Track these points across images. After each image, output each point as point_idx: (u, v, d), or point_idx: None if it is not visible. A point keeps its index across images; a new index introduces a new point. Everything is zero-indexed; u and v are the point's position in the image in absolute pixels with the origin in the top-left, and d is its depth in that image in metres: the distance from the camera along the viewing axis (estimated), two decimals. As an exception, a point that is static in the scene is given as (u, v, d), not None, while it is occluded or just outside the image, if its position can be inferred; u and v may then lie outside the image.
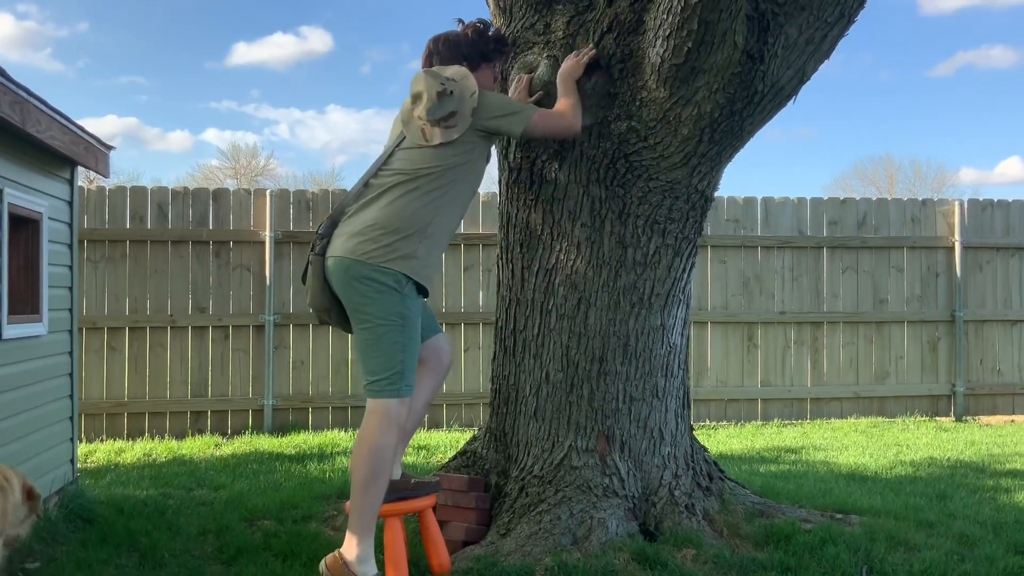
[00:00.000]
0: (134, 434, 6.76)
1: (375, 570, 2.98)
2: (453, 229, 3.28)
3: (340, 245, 3.06)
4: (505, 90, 3.60)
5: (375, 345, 3.01)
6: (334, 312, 3.15)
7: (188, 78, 47.34)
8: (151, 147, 48.17)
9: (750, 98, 3.27)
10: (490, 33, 3.34)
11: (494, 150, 3.80)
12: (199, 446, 6.28)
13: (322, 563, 2.99)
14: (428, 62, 3.30)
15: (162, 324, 6.88)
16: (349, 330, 3.16)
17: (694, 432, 3.83)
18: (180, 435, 6.75)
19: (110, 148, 4.80)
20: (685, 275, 3.60)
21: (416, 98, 3.14)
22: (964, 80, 49.39)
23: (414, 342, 3.06)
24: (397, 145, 3.17)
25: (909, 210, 8.06)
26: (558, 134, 3.34)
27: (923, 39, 50.06)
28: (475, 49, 3.28)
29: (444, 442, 6.32)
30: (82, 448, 6.07)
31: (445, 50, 3.28)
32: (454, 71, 3.17)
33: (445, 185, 3.10)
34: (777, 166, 48.75)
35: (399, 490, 3.13)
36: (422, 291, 3.12)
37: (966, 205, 8.11)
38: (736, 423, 7.55)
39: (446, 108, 3.07)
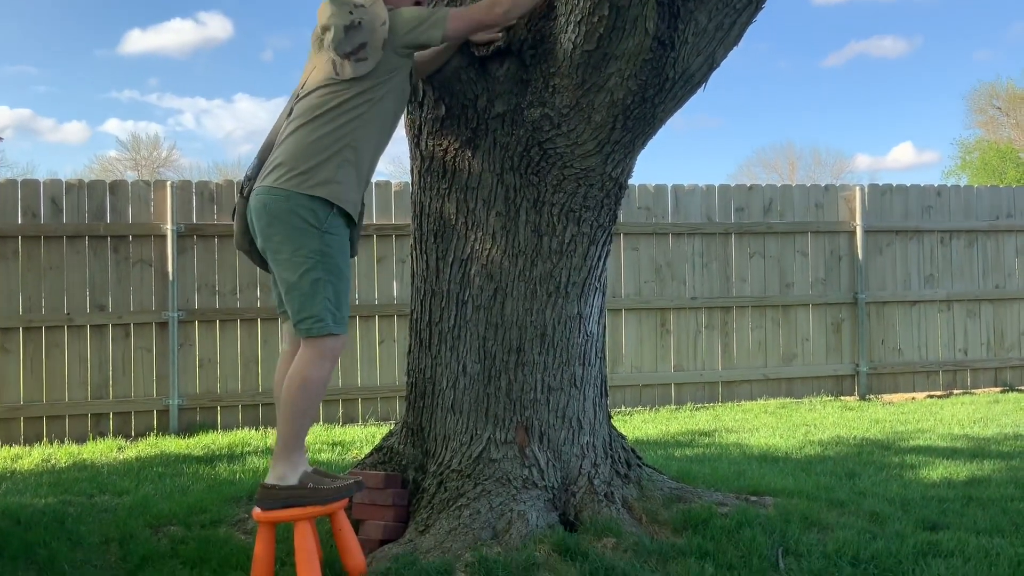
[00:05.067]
0: (31, 439, 6.45)
1: (298, 474, 2.95)
2: (375, 152, 3.12)
3: (260, 180, 3.01)
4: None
5: (297, 285, 2.94)
6: (256, 254, 3.12)
7: (80, 67, 45.55)
8: (46, 139, 46.25)
9: (661, 85, 3.26)
10: None
11: (406, 138, 3.72)
12: (101, 450, 6.02)
13: (254, 510, 2.97)
14: None
15: (59, 323, 6.57)
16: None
17: (611, 419, 3.83)
18: (80, 439, 6.46)
19: (-4, 139, 4.54)
20: (601, 263, 3.59)
21: (324, 30, 3.03)
22: (856, 69, 51.22)
23: (339, 278, 2.98)
24: (311, 74, 3.08)
25: (813, 196, 8.27)
26: (486, 24, 3.17)
27: (816, 30, 51.66)
28: None
29: (360, 437, 6.20)
30: (-27, 456, 5.75)
31: None
32: None
33: (363, 108, 3.00)
34: (682, 155, 49.78)
35: (312, 494, 2.99)
36: (350, 222, 3.06)
37: (867, 190, 8.37)
38: (651, 408, 7.63)
39: (355, 41, 2.97)
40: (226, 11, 51.15)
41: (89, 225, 6.67)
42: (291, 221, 2.93)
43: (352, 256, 3.22)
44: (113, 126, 47.84)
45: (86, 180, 6.89)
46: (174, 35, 49.67)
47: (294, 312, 2.98)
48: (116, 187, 6.85)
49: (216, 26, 49.95)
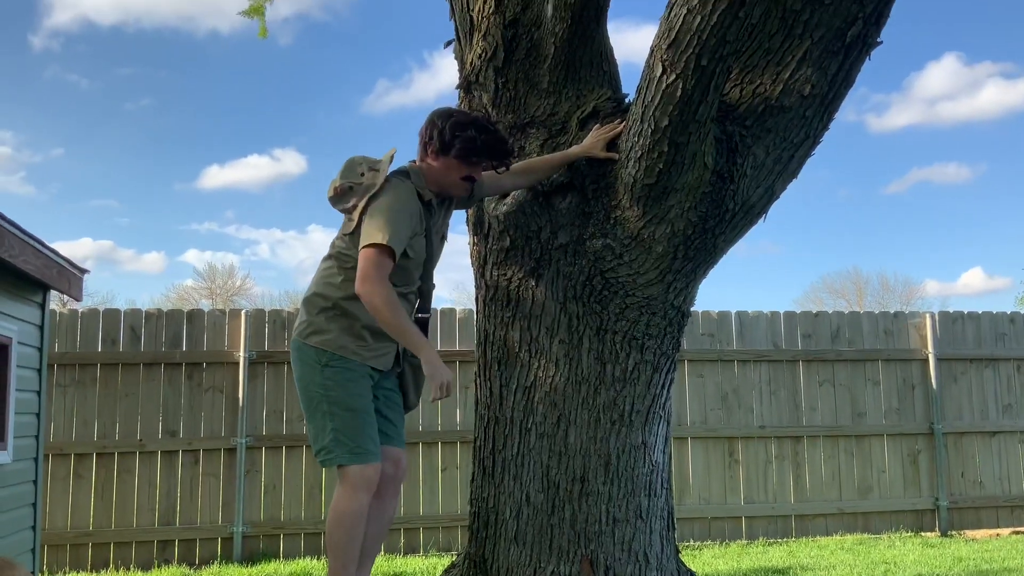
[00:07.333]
0: (98, 565, 6.49)
1: None
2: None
3: None
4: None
5: (310, 418, 3.13)
6: None
7: (161, 201, 47.69)
8: (125, 268, 48.12)
9: (721, 216, 3.32)
10: (465, 132, 3.20)
11: (469, 265, 3.82)
12: (165, 577, 6.03)
13: None
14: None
15: (131, 449, 6.71)
16: None
17: (680, 554, 3.73)
18: (146, 566, 6.48)
19: (84, 272, 4.78)
20: (665, 391, 3.57)
21: None
22: (920, 196, 50.74)
23: (347, 409, 3.07)
24: None
25: (882, 323, 8.14)
26: (360, 282, 3.04)
27: (876, 158, 51.64)
28: (431, 136, 3.25)
29: (421, 569, 6.10)
30: (42, 582, 5.80)
31: (422, 126, 3.32)
32: (385, 159, 3.21)
33: (352, 267, 3.14)
34: (746, 282, 49.36)
35: None
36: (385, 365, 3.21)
37: (937, 317, 8.21)
38: (721, 542, 7.38)
39: (347, 201, 3.19)
40: (300, 148, 53.50)
41: (166, 352, 6.89)
42: (303, 359, 3.17)
43: (410, 406, 3.38)
44: (192, 256, 49.75)
45: (164, 309, 7.16)
46: (252, 170, 51.94)
47: (311, 443, 3.15)
48: (193, 316, 7.10)
49: (290, 162, 52.17)
